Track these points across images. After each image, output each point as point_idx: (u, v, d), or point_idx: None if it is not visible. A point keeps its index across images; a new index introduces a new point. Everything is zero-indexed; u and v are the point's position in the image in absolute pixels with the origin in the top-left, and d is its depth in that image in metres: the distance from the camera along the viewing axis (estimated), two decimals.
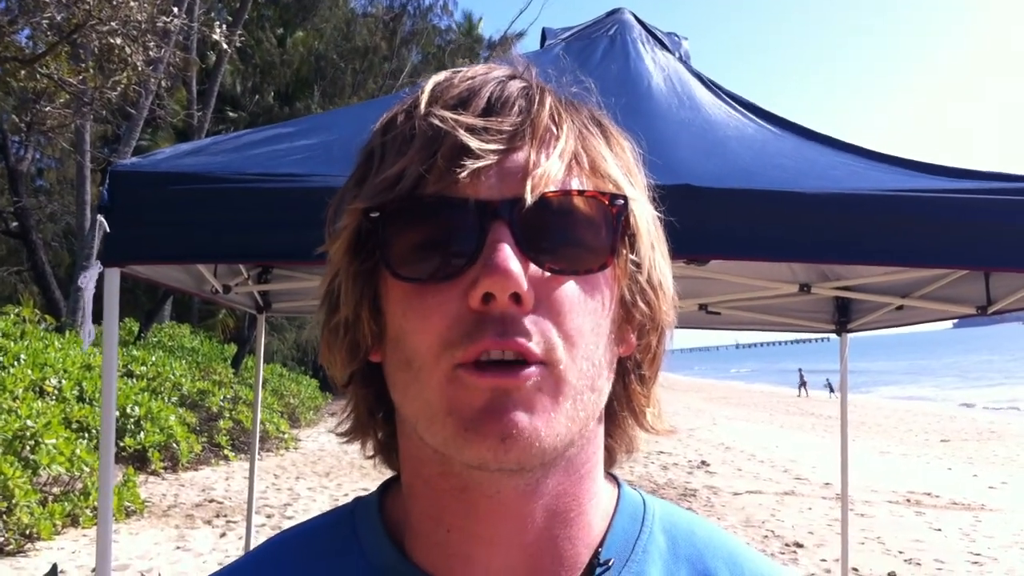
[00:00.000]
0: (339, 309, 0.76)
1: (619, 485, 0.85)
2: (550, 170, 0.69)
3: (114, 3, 11.17)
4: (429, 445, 0.71)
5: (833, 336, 5.93)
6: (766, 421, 28.96)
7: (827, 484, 13.75)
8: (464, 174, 0.67)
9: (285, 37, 32.66)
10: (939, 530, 10.51)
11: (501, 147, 0.69)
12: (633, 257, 0.74)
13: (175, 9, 12.96)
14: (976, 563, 8.95)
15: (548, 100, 0.74)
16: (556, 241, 0.69)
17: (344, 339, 0.76)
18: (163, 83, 17.39)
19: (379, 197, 0.70)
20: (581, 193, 0.71)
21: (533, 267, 0.68)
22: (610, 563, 0.77)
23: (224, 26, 14.55)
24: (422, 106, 0.72)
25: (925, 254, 3.03)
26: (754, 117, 3.67)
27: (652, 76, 3.75)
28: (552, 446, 0.68)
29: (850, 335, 5.82)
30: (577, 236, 0.70)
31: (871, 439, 22.01)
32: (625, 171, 0.77)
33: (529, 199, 0.67)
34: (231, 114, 29.83)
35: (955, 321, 5.55)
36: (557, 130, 0.73)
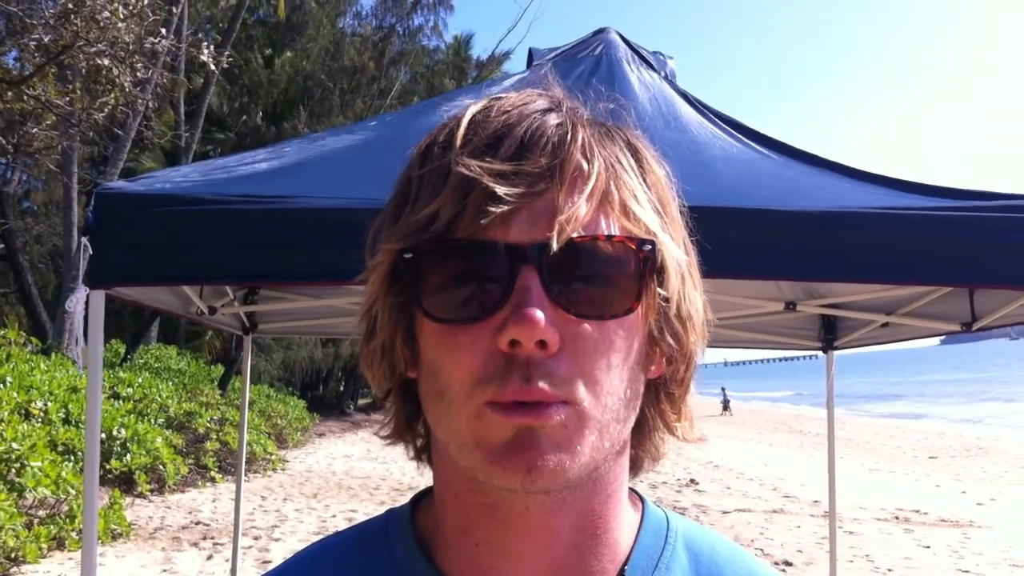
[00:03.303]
0: (377, 334, 0.78)
1: (643, 501, 0.87)
2: (577, 213, 0.70)
3: (102, 24, 11.15)
4: (461, 464, 0.73)
5: (820, 353, 5.96)
6: (754, 439, 28.94)
7: (816, 502, 13.73)
8: (487, 220, 0.69)
9: (273, 57, 32.66)
10: (928, 547, 10.50)
11: (528, 191, 0.70)
12: (662, 292, 0.75)
13: (163, 30, 12.96)
14: None
15: (580, 135, 0.74)
16: (583, 285, 0.70)
17: (382, 360, 0.79)
18: (151, 104, 17.36)
19: (412, 237, 0.72)
20: (609, 238, 0.72)
21: (560, 310, 0.69)
22: None
23: (212, 47, 14.54)
24: (457, 144, 0.73)
25: (910, 271, 3.05)
26: (739, 136, 3.69)
27: (638, 96, 3.77)
28: (578, 475, 0.70)
29: (837, 352, 5.84)
30: (604, 280, 0.71)
31: (859, 456, 22.01)
32: (657, 205, 0.77)
33: (555, 245, 0.68)
34: (218, 135, 29.80)
35: (942, 338, 5.57)
36: (588, 167, 0.72)
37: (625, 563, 0.80)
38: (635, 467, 0.86)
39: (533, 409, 0.67)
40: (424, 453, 0.85)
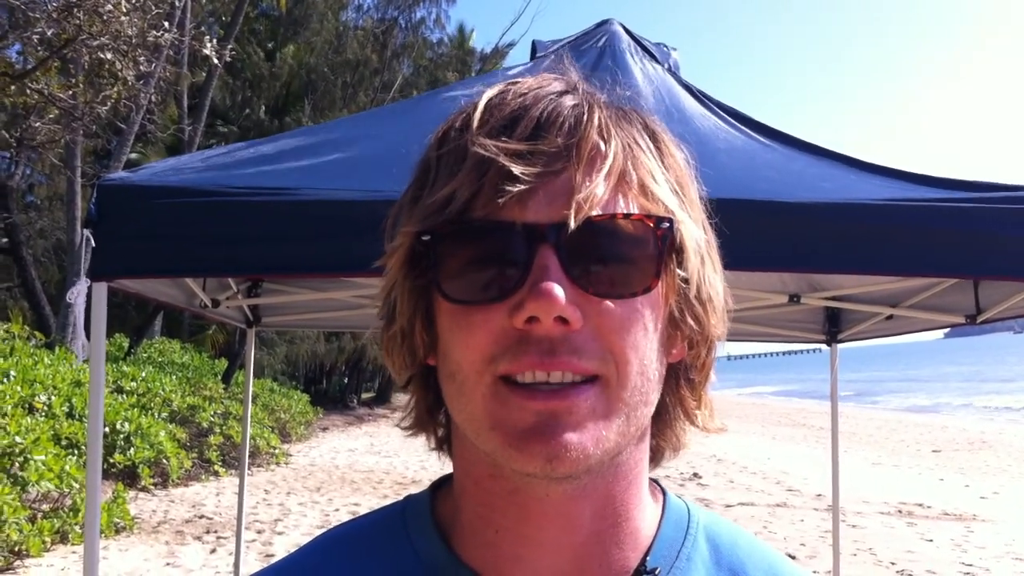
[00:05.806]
0: (396, 319, 0.78)
1: (664, 492, 0.87)
2: (595, 192, 0.70)
3: (105, 18, 11.14)
4: (480, 449, 0.73)
5: (824, 347, 5.94)
6: (758, 433, 28.92)
7: (819, 495, 13.73)
8: (504, 200, 0.68)
9: (275, 51, 32.63)
10: (931, 541, 10.50)
11: (545, 170, 0.69)
12: (681, 273, 0.75)
13: (166, 24, 12.93)
14: (968, 574, 8.95)
15: (597, 116, 0.74)
16: (601, 264, 0.70)
17: (401, 346, 0.79)
18: (154, 98, 17.35)
19: (430, 220, 0.72)
20: (627, 216, 0.71)
21: (579, 290, 0.68)
22: (656, 571, 0.78)
23: (215, 40, 14.52)
24: (474, 126, 0.73)
25: (915, 263, 3.04)
26: (743, 128, 3.67)
27: (642, 88, 3.75)
28: (601, 460, 0.70)
29: (840, 345, 5.83)
30: (622, 259, 0.71)
31: (862, 450, 21.99)
32: (675, 186, 0.77)
33: (572, 224, 0.68)
34: (221, 128, 29.77)
35: (946, 331, 5.56)
36: (605, 147, 0.72)
37: (647, 553, 0.79)
38: (656, 458, 0.85)
39: (559, 392, 0.67)
40: (445, 443, 0.85)
